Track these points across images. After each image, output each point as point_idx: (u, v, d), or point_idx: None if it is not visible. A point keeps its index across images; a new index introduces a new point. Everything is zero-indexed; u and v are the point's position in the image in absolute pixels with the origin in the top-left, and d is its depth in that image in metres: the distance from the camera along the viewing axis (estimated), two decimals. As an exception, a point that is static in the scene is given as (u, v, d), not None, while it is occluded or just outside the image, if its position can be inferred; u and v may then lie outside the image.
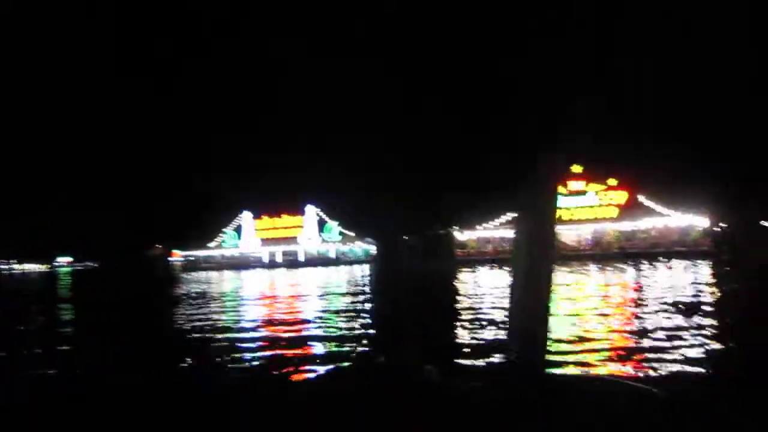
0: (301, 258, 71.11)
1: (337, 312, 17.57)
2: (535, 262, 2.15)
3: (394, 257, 57.63)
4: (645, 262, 37.95)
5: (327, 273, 46.68)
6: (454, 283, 29.03)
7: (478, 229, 53.10)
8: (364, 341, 11.80)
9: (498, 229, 53.00)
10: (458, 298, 20.40)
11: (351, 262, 65.87)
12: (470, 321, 13.69)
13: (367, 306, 19.89)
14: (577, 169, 51.78)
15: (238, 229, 75.74)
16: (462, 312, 15.85)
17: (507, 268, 38.60)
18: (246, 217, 74.98)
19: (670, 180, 55.73)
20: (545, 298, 2.06)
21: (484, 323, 13.29)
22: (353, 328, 13.68)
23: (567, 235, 51.57)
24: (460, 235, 52.51)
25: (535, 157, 2.41)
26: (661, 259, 39.98)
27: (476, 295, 21.31)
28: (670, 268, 32.34)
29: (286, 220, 73.76)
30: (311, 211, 71.71)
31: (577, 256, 45.88)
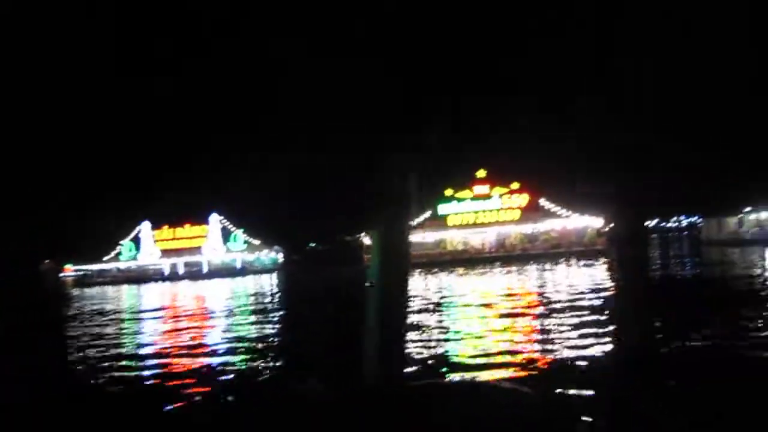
0: (205, 269, 67.95)
1: (242, 329, 16.34)
2: (390, 271, 2.00)
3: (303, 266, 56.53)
4: (546, 262, 39.30)
5: (233, 284, 44.63)
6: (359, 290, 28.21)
7: (387, 235, 52.94)
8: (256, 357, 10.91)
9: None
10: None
11: (258, 272, 63.78)
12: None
13: (274, 321, 18.76)
14: (481, 173, 53.06)
15: (136, 240, 71.24)
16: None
17: (418, 273, 39.03)
18: (145, 227, 70.72)
19: (567, 182, 58.51)
20: (402, 308, 1.98)
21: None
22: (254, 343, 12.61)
23: (472, 238, 52.66)
24: (366, 239, 52.07)
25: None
26: (561, 260, 41.52)
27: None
28: (570, 266, 33.53)
29: (188, 230, 70.27)
30: (215, 220, 68.79)
31: (482, 260, 46.83)
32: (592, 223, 49.15)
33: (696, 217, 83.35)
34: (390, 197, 2.06)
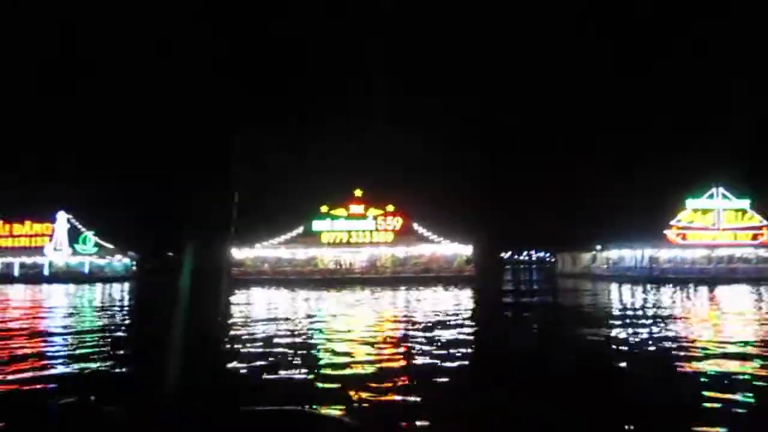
0: (47, 272, 60.53)
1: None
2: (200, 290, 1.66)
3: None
4: (416, 286, 39.35)
5: (73, 290, 39.72)
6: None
7: (257, 247, 50.50)
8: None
9: (277, 249, 51.05)
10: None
11: (108, 279, 57.94)
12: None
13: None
14: (358, 192, 52.56)
15: (-39, 235, 61.96)
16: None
17: (285, 289, 37.16)
18: (-27, 221, 61.75)
19: (438, 209, 60.00)
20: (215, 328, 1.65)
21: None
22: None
23: (345, 257, 51.78)
24: (237, 253, 49.27)
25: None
26: (431, 285, 41.80)
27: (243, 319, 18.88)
28: (436, 291, 33.60)
29: (29, 226, 62.39)
30: (63, 219, 61.72)
31: (352, 280, 46.03)
32: (462, 250, 50.39)
33: (544, 253, 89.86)
34: (206, 215, 1.77)
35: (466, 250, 50.30)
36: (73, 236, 61.74)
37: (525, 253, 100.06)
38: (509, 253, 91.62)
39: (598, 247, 53.08)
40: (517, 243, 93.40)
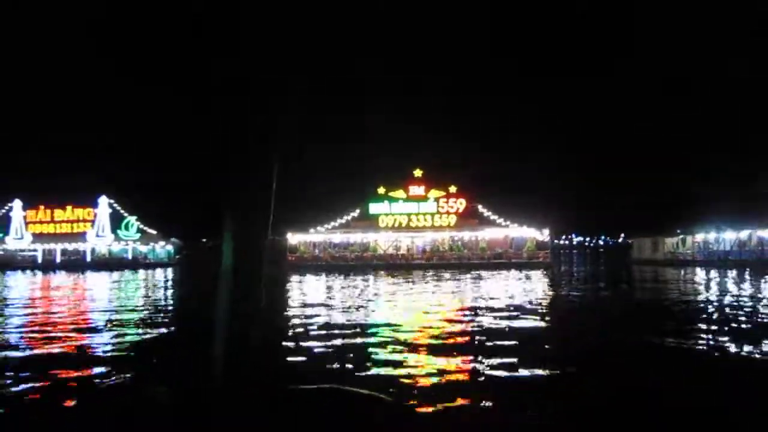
0: (89, 258, 58.24)
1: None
2: (245, 276, 1.63)
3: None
4: (485, 272, 35.21)
5: (119, 277, 36.79)
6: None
7: (311, 232, 46.94)
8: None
9: (333, 233, 47.40)
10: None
11: (151, 265, 55.40)
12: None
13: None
14: (417, 173, 48.57)
15: (5, 221, 60.16)
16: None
17: (340, 276, 33.50)
18: (16, 207, 59.85)
19: (504, 191, 55.59)
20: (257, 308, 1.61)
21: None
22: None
23: (403, 242, 47.89)
24: (291, 238, 45.80)
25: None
26: (506, 272, 37.59)
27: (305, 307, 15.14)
28: (507, 280, 29.40)
29: (70, 212, 60.22)
30: (105, 204, 59.29)
31: (412, 266, 42.13)
32: (532, 234, 45.93)
33: (615, 240, 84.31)
34: (244, 198, 1.68)
35: (537, 234, 45.78)
36: (116, 222, 59.38)
37: (595, 238, 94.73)
38: (579, 238, 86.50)
39: (678, 231, 48.10)
40: (588, 228, 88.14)
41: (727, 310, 13.90)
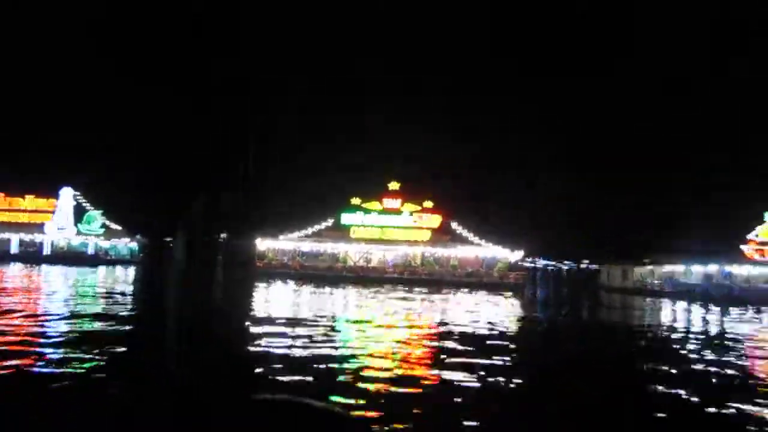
0: (47, 251, 55.93)
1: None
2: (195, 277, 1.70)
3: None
4: (456, 290, 34.84)
5: (77, 274, 35.19)
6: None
7: (280, 239, 45.88)
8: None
9: (303, 241, 46.44)
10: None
11: (112, 262, 53.51)
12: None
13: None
14: (393, 185, 48.06)
15: (-43, 207, 57.47)
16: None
17: (308, 285, 32.63)
18: (-29, 193, 57.28)
19: (479, 210, 55.49)
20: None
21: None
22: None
23: (377, 255, 47.21)
24: (260, 244, 44.64)
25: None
26: (476, 291, 37.22)
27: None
28: (477, 300, 29.02)
29: (30, 201, 57.91)
30: (68, 195, 57.16)
31: (382, 279, 41.44)
32: (505, 255, 45.76)
33: (580, 264, 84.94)
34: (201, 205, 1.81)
35: (511, 256, 45.63)
36: (78, 215, 57.25)
37: (558, 262, 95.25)
38: (543, 261, 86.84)
39: (645, 261, 48.58)
40: (560, 253, 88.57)
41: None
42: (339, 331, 13.61)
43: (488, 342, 12.49)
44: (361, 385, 7.69)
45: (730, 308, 29.97)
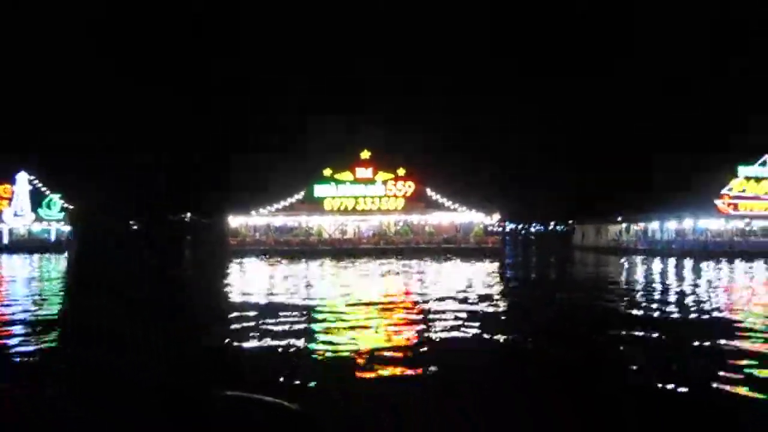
0: (5, 239, 53.50)
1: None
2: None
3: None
4: (433, 258, 34.42)
5: (38, 262, 33.52)
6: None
7: (252, 215, 44.59)
8: None
9: (275, 216, 45.23)
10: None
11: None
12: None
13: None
14: (365, 154, 46.94)
15: None
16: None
17: (284, 262, 31.74)
18: None
19: (452, 174, 54.88)
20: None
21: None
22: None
23: (350, 226, 46.37)
24: (233, 221, 43.32)
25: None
26: (449, 256, 36.81)
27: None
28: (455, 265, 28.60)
29: (-16, 188, 55.04)
30: (24, 180, 54.50)
31: (358, 251, 40.75)
32: (481, 219, 45.43)
33: (559, 225, 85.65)
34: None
35: (486, 220, 45.31)
36: (37, 200, 54.70)
37: (526, 225, 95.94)
38: (512, 224, 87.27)
39: (619, 218, 48.87)
40: (529, 215, 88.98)
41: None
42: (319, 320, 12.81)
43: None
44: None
45: (706, 262, 30.24)
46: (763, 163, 40.65)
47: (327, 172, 46.19)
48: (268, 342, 8.71)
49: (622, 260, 33.16)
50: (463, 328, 9.91)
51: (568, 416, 4.93)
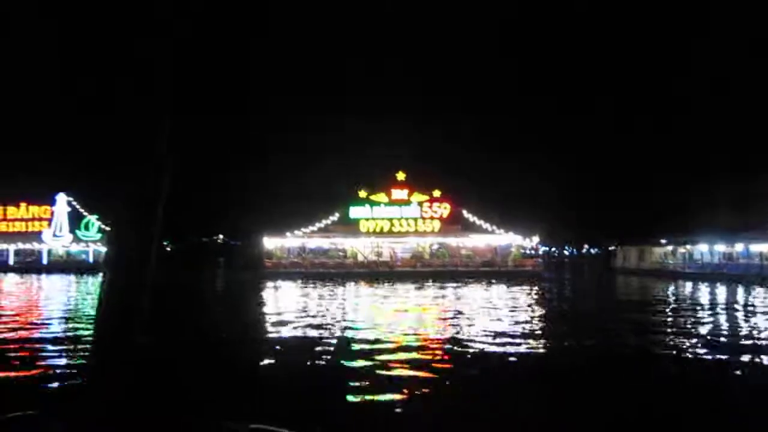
0: (45, 260, 54.28)
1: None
2: (129, 278, 1.89)
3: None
4: (473, 282, 33.47)
5: (76, 284, 33.60)
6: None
7: (287, 237, 44.29)
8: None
9: (311, 238, 44.84)
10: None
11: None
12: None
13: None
14: (400, 176, 46.43)
15: (-50, 219, 55.63)
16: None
17: (318, 284, 31.13)
18: (-36, 203, 55.41)
19: (489, 197, 53.89)
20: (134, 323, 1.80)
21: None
22: None
23: (385, 248, 45.67)
24: (268, 242, 43.07)
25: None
26: (492, 282, 35.79)
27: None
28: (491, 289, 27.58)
29: (25, 210, 56.13)
30: (63, 202, 55.42)
31: (394, 274, 39.99)
32: (519, 241, 44.34)
33: (599, 248, 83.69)
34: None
35: (523, 242, 44.21)
36: (75, 221, 55.55)
37: (559, 248, 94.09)
38: (544, 247, 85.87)
39: (663, 241, 47.13)
40: (573, 237, 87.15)
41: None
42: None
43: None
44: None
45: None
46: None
47: (362, 193, 45.76)
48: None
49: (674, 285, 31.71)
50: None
51: None
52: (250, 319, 17.09)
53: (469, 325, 14.92)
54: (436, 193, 46.03)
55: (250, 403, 6.79)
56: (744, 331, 14.52)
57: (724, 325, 15.74)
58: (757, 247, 37.06)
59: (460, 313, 18.05)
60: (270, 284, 32.42)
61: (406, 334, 13.10)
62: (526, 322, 15.98)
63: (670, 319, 16.90)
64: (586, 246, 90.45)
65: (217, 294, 29.57)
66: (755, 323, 15.97)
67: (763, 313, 18.59)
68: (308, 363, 9.46)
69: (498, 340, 12.28)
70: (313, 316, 16.82)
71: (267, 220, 44.50)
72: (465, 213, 45.67)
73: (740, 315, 18.25)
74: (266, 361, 10.31)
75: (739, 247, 38.44)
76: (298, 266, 41.64)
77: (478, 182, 58.23)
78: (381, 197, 45.90)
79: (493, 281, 34.98)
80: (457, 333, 13.42)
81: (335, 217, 45.46)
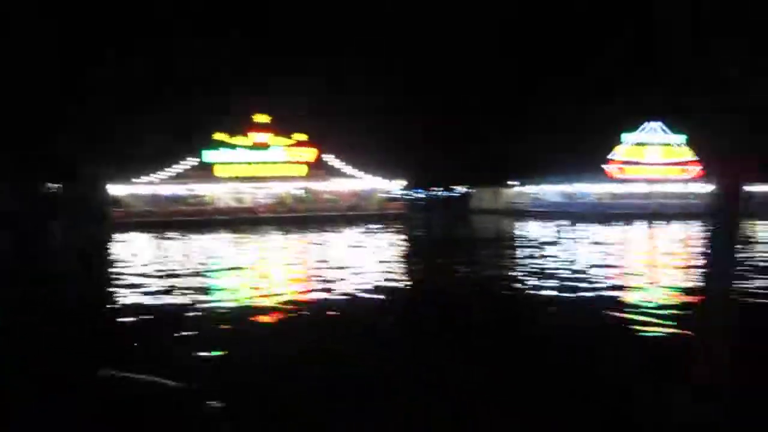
0: None
1: None
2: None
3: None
4: (337, 227, 33.68)
5: None
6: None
7: (136, 183, 40.92)
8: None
9: (166, 183, 41.86)
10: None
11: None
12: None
13: None
14: (261, 118, 44.44)
15: None
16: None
17: (173, 234, 29.21)
18: None
19: (355, 140, 53.68)
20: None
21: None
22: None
23: (248, 194, 44.02)
24: (113, 189, 39.45)
25: None
26: (357, 226, 36.15)
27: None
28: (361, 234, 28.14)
29: None
30: None
31: (257, 220, 38.93)
32: (384, 185, 44.98)
33: (456, 190, 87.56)
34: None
35: (390, 186, 44.96)
36: None
37: (431, 189, 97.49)
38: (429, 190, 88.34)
39: (509, 182, 50.56)
40: (427, 179, 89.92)
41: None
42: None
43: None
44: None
45: (581, 223, 32.02)
46: (647, 131, 43.53)
47: (219, 136, 43.23)
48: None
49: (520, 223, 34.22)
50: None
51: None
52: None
53: (326, 268, 14.77)
54: (300, 137, 44.86)
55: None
56: (554, 265, 15.87)
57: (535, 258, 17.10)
58: (590, 188, 41.12)
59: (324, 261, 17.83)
60: (120, 238, 29.88)
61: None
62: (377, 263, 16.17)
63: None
64: (452, 188, 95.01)
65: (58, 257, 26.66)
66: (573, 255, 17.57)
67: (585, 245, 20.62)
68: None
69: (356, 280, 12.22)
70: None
71: (107, 161, 40.52)
72: (330, 158, 45.17)
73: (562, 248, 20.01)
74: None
75: (569, 188, 42.58)
76: (152, 215, 38.78)
77: (346, 126, 57.54)
78: (241, 140, 43.73)
79: (354, 225, 35.25)
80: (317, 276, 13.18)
81: (194, 162, 42.73)
